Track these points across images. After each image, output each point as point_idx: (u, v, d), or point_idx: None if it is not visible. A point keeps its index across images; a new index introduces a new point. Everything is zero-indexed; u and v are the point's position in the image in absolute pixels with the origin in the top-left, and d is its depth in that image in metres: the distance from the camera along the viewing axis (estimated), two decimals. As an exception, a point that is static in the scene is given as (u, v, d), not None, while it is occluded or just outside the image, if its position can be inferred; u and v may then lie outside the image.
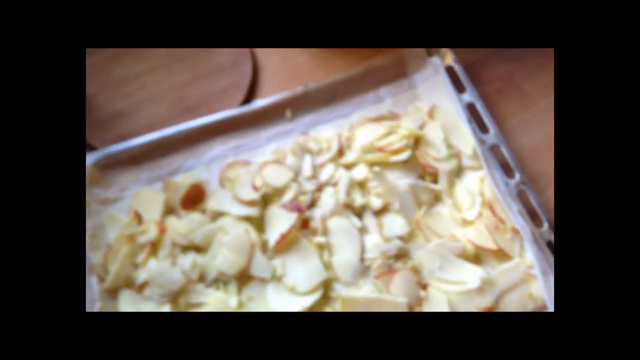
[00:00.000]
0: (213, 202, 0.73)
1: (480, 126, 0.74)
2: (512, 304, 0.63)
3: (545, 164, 0.73)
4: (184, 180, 0.75)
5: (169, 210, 0.74)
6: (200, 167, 0.78)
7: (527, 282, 0.64)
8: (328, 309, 0.66)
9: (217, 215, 0.73)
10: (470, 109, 0.75)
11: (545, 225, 0.68)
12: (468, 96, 0.76)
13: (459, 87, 0.76)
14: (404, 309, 0.64)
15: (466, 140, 0.73)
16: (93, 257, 0.70)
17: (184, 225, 0.71)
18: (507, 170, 0.71)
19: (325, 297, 0.67)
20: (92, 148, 0.82)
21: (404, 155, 0.72)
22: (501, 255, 0.66)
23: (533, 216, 0.68)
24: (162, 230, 0.70)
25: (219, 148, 0.79)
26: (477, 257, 0.68)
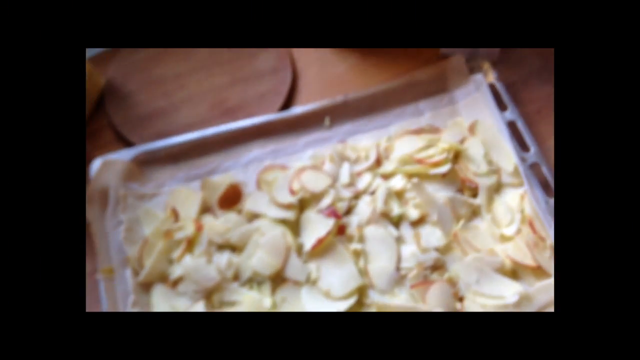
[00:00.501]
0: (250, 204, 0.73)
1: (520, 144, 0.75)
2: (551, 322, 0.63)
3: (584, 185, 0.73)
4: (222, 180, 0.76)
5: (205, 209, 0.75)
6: (237, 168, 0.79)
7: (567, 300, 0.64)
8: (363, 316, 0.65)
9: (254, 216, 0.73)
10: (511, 127, 0.76)
11: (586, 245, 0.67)
12: (509, 114, 0.77)
13: (500, 105, 0.77)
14: (441, 321, 0.63)
15: (507, 157, 0.74)
16: (128, 250, 0.70)
17: (220, 224, 0.72)
18: (546, 189, 0.71)
19: (360, 304, 0.66)
20: (130, 144, 0.83)
21: (443, 169, 0.72)
22: (539, 272, 0.66)
23: (573, 235, 0.68)
24: (199, 228, 0.71)
25: (256, 151, 0.80)
26: (514, 273, 0.67)
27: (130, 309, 0.66)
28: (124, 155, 0.77)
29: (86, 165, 0.70)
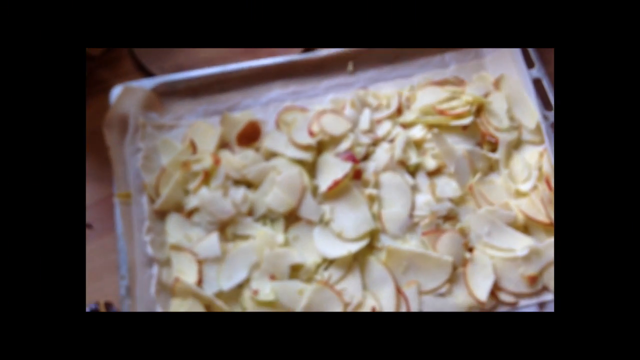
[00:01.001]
0: (268, 142, 0.74)
1: (544, 103, 0.74)
2: (557, 277, 0.64)
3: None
4: (242, 117, 0.76)
5: (223, 144, 0.75)
6: (257, 107, 0.78)
7: (575, 257, 0.65)
8: (373, 259, 0.67)
9: (271, 155, 0.74)
10: (537, 84, 0.75)
11: (600, 206, 0.68)
12: (536, 72, 0.76)
13: (527, 62, 0.75)
14: (449, 268, 0.65)
15: (530, 114, 0.73)
16: (146, 177, 0.71)
17: (238, 160, 0.72)
18: (566, 149, 0.71)
19: (371, 247, 0.68)
20: (150, 75, 0.82)
21: (465, 121, 0.72)
22: (550, 229, 0.67)
23: (588, 196, 0.68)
24: (217, 162, 0.71)
25: (277, 91, 0.79)
26: (526, 228, 0.68)
27: (144, 234, 0.67)
28: (144, 84, 0.76)
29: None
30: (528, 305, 0.64)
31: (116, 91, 0.75)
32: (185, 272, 0.66)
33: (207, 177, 0.71)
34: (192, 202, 0.70)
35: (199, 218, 0.69)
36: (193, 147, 0.74)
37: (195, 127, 0.75)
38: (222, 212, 0.68)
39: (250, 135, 0.75)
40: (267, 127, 0.76)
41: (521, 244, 0.65)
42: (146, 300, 0.64)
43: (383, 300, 0.64)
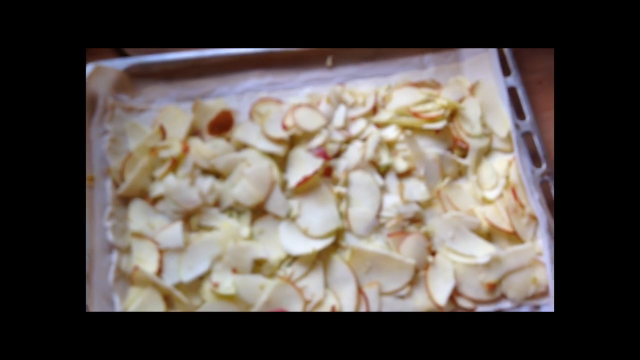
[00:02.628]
0: (240, 133, 0.72)
1: (517, 111, 0.75)
2: (515, 285, 0.65)
3: (571, 161, 0.74)
4: (214, 105, 0.74)
5: (194, 132, 0.74)
6: (231, 95, 0.77)
7: (534, 267, 0.66)
8: (337, 257, 0.67)
9: (242, 146, 0.72)
10: (511, 93, 0.75)
11: (562, 218, 0.69)
12: (512, 80, 0.76)
13: (504, 69, 0.76)
14: (411, 270, 0.65)
15: (502, 122, 0.73)
16: (111, 161, 0.69)
17: (208, 149, 0.71)
18: (535, 159, 0.72)
19: (336, 245, 0.68)
20: (125, 55, 0.80)
21: (438, 125, 0.72)
22: (513, 238, 0.68)
23: (551, 207, 0.69)
24: (186, 149, 0.70)
25: (253, 81, 0.78)
26: (489, 235, 0.69)
27: (106, 219, 0.66)
28: (117, 65, 0.74)
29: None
30: (485, 312, 0.65)
31: (87, 69, 0.73)
32: (146, 260, 0.65)
33: (175, 164, 0.70)
34: (157, 189, 0.69)
35: (164, 206, 0.68)
36: (162, 132, 0.72)
37: (166, 112, 0.74)
38: (188, 201, 0.67)
39: (222, 125, 0.74)
40: (240, 117, 0.75)
41: (483, 250, 0.66)
42: (103, 287, 0.63)
43: (344, 300, 0.65)
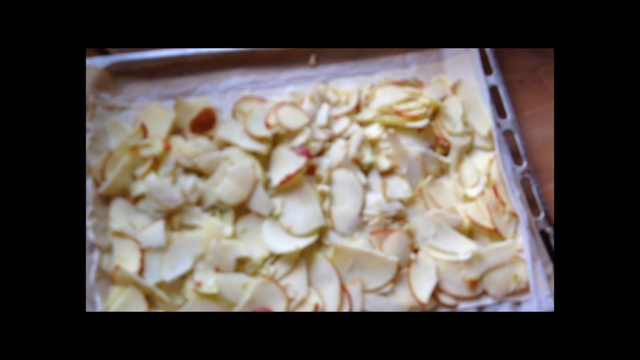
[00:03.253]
0: (223, 131, 0.72)
1: (498, 110, 0.75)
2: (496, 281, 0.66)
3: (550, 158, 0.75)
4: (196, 103, 0.74)
5: (176, 130, 0.73)
6: (214, 94, 0.77)
7: (515, 264, 0.66)
8: (320, 255, 0.67)
9: (225, 144, 0.72)
10: (493, 92, 0.76)
11: (542, 215, 0.70)
12: (493, 79, 0.77)
13: (486, 69, 0.77)
14: (394, 268, 0.65)
15: (483, 120, 0.74)
16: (92, 160, 0.69)
17: (190, 147, 0.71)
18: (516, 157, 0.73)
19: (319, 243, 0.68)
20: (106, 53, 0.79)
21: (420, 123, 0.72)
22: (494, 235, 0.68)
23: (532, 204, 0.70)
24: (167, 148, 0.69)
25: (236, 79, 0.77)
26: (470, 232, 0.70)
27: (87, 219, 0.65)
28: (98, 63, 0.73)
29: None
30: (467, 308, 0.66)
31: (65, 67, 0.72)
32: (127, 260, 0.65)
33: (157, 163, 0.69)
34: (139, 188, 0.68)
35: (145, 205, 0.67)
36: (144, 131, 0.71)
37: (148, 110, 0.73)
38: (170, 200, 0.67)
39: (204, 123, 0.73)
40: (223, 116, 0.75)
41: (465, 248, 0.67)
42: (86, 286, 0.62)
43: (327, 297, 0.65)
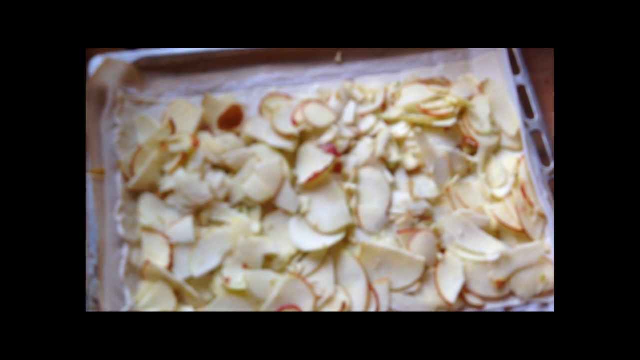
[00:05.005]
0: (250, 128, 0.72)
1: (526, 110, 0.75)
2: (524, 282, 0.66)
3: (579, 160, 0.74)
4: (224, 100, 0.74)
5: (203, 126, 0.73)
6: (240, 90, 0.77)
7: (543, 265, 0.66)
8: (347, 253, 0.67)
9: (252, 141, 0.72)
10: (520, 91, 0.75)
11: (570, 217, 0.70)
12: (521, 78, 0.77)
13: (513, 68, 0.76)
14: (421, 267, 0.65)
15: (511, 120, 0.74)
16: (121, 154, 0.69)
17: (218, 143, 0.71)
18: (543, 158, 0.72)
19: (346, 242, 0.68)
20: (133, 47, 0.79)
21: (448, 122, 0.72)
22: (522, 236, 0.68)
23: (560, 206, 0.70)
24: (196, 144, 0.70)
25: (262, 76, 0.78)
26: (498, 233, 0.70)
27: (117, 213, 0.66)
28: (126, 57, 0.74)
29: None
30: (494, 309, 0.66)
31: (96, 62, 0.72)
32: (156, 255, 0.65)
33: (185, 159, 0.69)
34: (167, 183, 0.68)
35: (174, 200, 0.68)
36: (172, 126, 0.72)
37: (176, 105, 0.73)
38: (198, 196, 0.67)
39: (232, 119, 0.74)
40: (250, 112, 0.75)
41: (492, 248, 0.67)
42: (114, 281, 0.63)
43: (354, 296, 0.65)
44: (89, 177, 0.67)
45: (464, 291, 0.66)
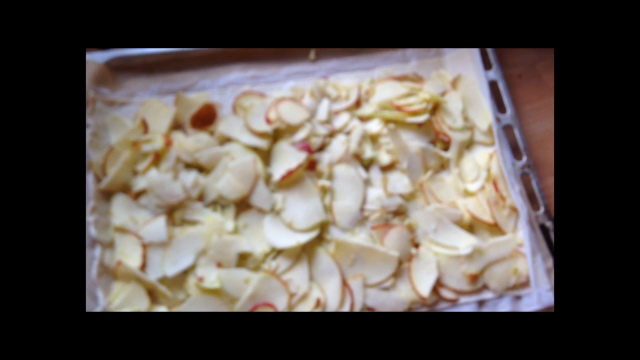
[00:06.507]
0: (223, 127, 0.72)
1: (498, 105, 0.76)
2: (496, 275, 0.66)
3: (550, 152, 0.75)
4: (197, 99, 0.74)
5: (176, 125, 0.73)
6: (214, 89, 0.76)
7: (515, 258, 0.67)
8: (321, 250, 0.67)
9: (226, 139, 0.72)
10: (492, 87, 0.76)
11: (542, 209, 0.71)
12: (493, 74, 0.77)
13: (485, 64, 0.77)
14: (395, 262, 0.66)
15: (483, 115, 0.75)
16: (93, 155, 0.68)
17: (191, 142, 0.70)
18: (515, 152, 0.73)
19: (320, 238, 0.68)
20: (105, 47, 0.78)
21: (421, 118, 0.73)
22: (494, 229, 0.69)
23: (532, 199, 0.71)
24: (168, 143, 0.69)
25: (236, 74, 0.77)
26: (471, 227, 0.70)
27: (89, 214, 0.65)
28: (97, 57, 0.73)
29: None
30: (468, 303, 0.66)
31: (65, 62, 0.72)
32: (129, 255, 0.65)
33: (158, 158, 0.69)
34: (140, 183, 0.68)
35: (147, 200, 0.67)
36: (144, 126, 0.71)
37: (148, 105, 0.73)
38: (171, 195, 0.67)
39: (205, 118, 0.73)
40: (224, 111, 0.75)
41: (465, 242, 0.67)
42: (87, 282, 0.62)
43: (328, 292, 0.65)
44: (60, 178, 0.66)
45: (438, 285, 0.66)
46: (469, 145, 0.75)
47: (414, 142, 0.73)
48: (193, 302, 0.63)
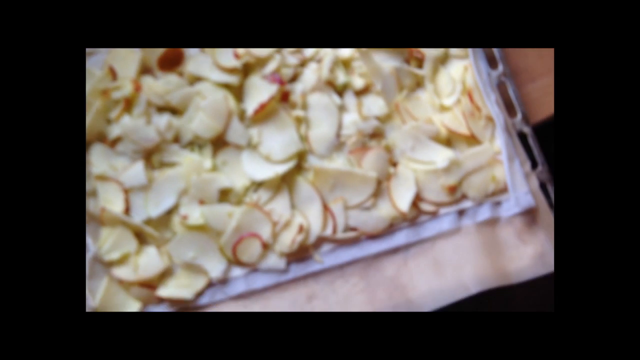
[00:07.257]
0: (192, 66, 0.71)
1: (470, 15, 0.73)
2: (475, 184, 0.67)
3: (528, 60, 0.73)
4: (162, 40, 0.72)
5: (145, 70, 0.72)
6: (179, 29, 0.75)
7: (493, 166, 0.67)
8: (301, 179, 0.67)
9: (195, 79, 0.71)
10: (464, -4, 0.73)
11: (519, 116, 0.70)
12: (463, -18, 0.74)
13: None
14: (374, 183, 0.66)
15: (455, 26, 0.72)
16: (64, 108, 0.68)
17: (160, 85, 0.70)
18: (491, 62, 0.71)
19: (299, 168, 0.68)
20: None
21: (391, 36, 0.71)
22: (472, 140, 0.69)
23: (509, 107, 0.70)
24: (138, 88, 0.69)
25: (200, 12, 0.75)
26: (448, 141, 0.70)
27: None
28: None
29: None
30: (448, 213, 0.67)
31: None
32: (112, 201, 0.66)
33: (129, 104, 0.69)
34: (114, 131, 0.68)
35: (123, 147, 0.68)
36: (113, 73, 0.71)
37: (115, 53, 0.72)
38: (146, 139, 0.67)
39: (172, 60, 0.72)
40: (190, 51, 0.73)
41: (442, 156, 0.67)
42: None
43: (311, 218, 0.66)
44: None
45: (417, 200, 0.67)
46: (443, 60, 0.73)
47: (387, 63, 0.71)
48: (180, 240, 0.65)
